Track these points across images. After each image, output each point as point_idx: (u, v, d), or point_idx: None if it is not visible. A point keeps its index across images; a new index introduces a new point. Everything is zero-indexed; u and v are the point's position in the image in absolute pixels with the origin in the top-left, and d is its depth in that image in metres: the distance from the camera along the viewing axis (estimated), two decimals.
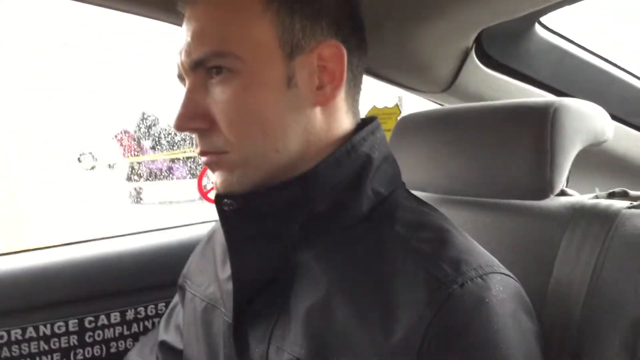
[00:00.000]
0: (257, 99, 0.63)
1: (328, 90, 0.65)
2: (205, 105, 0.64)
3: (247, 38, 0.62)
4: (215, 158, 0.66)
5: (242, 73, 0.62)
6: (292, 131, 0.64)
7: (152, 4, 0.99)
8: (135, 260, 1.24)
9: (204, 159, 0.67)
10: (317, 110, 0.65)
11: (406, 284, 0.57)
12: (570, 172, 0.81)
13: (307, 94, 0.64)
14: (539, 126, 0.77)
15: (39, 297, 1.14)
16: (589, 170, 1.20)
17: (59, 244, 1.26)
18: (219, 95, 0.63)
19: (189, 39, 0.64)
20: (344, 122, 0.69)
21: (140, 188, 6.41)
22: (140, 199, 6.43)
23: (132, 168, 6.13)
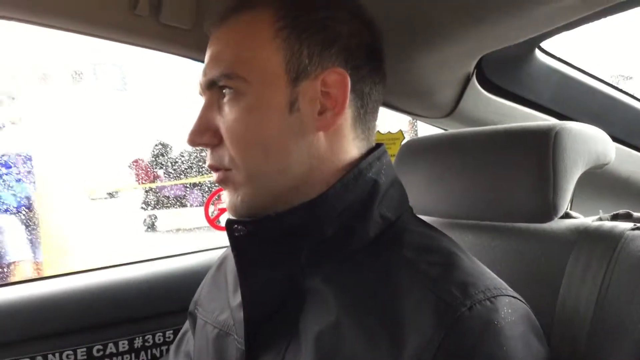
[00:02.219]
0: (260, 121, 0.65)
1: (329, 116, 0.66)
2: (215, 123, 0.67)
3: (255, 62, 0.65)
4: (222, 175, 0.69)
5: (248, 95, 0.65)
6: (294, 154, 0.66)
7: (172, 41, 1.04)
8: (143, 287, 1.25)
9: (214, 175, 0.70)
10: (320, 136, 0.66)
11: (415, 307, 0.57)
12: (574, 194, 0.81)
13: (309, 119, 0.66)
14: (541, 150, 0.78)
15: (47, 325, 1.14)
16: (593, 193, 1.20)
17: (66, 272, 1.27)
18: (227, 114, 0.66)
19: (207, 60, 0.68)
20: (351, 150, 0.69)
21: (154, 216, 6.42)
22: (155, 226, 6.44)
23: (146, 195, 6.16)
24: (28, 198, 3.86)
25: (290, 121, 0.65)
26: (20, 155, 3.90)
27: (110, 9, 0.93)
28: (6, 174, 3.83)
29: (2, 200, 3.76)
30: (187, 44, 1.03)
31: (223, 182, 0.69)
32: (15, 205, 3.78)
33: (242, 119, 0.65)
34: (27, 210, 3.83)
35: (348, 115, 0.68)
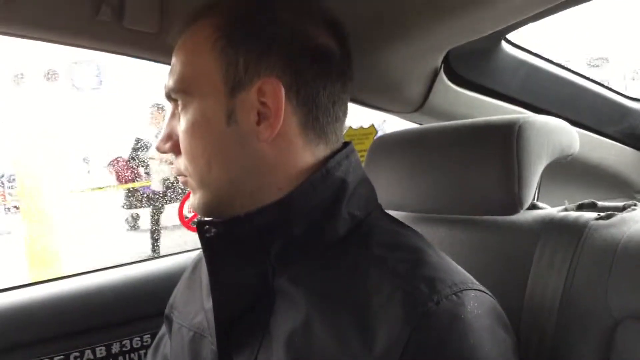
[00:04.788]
0: (201, 135, 0.67)
1: (266, 126, 0.65)
2: (177, 132, 0.70)
3: (195, 75, 0.67)
4: (183, 180, 0.71)
5: (191, 108, 0.67)
6: (238, 164, 0.67)
7: (138, 45, 1.04)
8: (119, 292, 1.24)
9: (180, 179, 0.72)
10: (264, 145, 0.66)
11: (383, 304, 0.58)
12: (543, 185, 0.83)
13: (248, 129, 0.65)
14: (505, 143, 0.79)
15: (22, 335, 1.13)
16: (565, 181, 1.21)
17: (39, 280, 1.26)
18: (180, 125, 0.68)
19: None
20: (302, 156, 0.68)
21: (137, 215, 6.39)
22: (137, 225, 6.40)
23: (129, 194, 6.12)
24: None
25: (229, 133, 0.66)
26: None
27: (72, 16, 0.92)
28: None
29: None
30: (154, 48, 1.02)
31: (185, 185, 0.72)
32: None
33: (187, 131, 0.67)
34: None
35: (293, 122, 0.66)
